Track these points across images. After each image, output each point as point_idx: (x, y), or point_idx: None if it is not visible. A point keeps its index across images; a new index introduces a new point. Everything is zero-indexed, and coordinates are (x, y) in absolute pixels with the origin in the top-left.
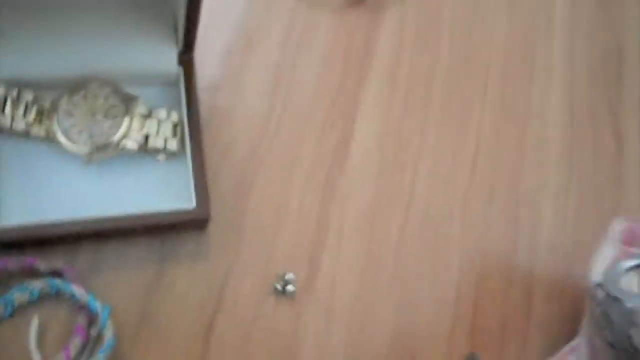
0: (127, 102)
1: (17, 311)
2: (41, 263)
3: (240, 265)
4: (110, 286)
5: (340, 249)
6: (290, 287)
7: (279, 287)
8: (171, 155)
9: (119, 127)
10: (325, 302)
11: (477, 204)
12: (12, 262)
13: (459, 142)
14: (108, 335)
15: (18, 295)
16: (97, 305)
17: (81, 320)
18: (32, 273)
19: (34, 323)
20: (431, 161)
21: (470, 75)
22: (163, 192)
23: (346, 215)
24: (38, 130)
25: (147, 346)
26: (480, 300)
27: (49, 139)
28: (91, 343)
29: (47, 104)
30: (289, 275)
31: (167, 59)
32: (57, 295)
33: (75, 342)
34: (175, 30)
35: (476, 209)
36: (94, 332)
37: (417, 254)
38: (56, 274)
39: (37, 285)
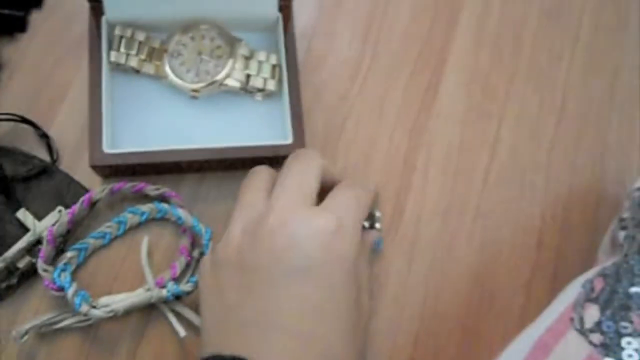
0: (231, 43)
1: (128, 231)
2: (151, 188)
3: None
4: (210, 215)
5: (425, 189)
6: (377, 225)
7: (366, 224)
8: (268, 95)
9: (223, 66)
10: (408, 240)
11: (563, 154)
12: (126, 185)
13: (547, 92)
14: None
15: (130, 216)
16: (201, 228)
17: (185, 242)
18: (143, 197)
19: (145, 242)
20: (517, 110)
21: (561, 26)
22: (260, 128)
23: (432, 157)
24: (148, 68)
25: None
26: (562, 250)
27: (158, 76)
28: (194, 263)
29: (156, 44)
30: (377, 213)
31: (268, 4)
32: (163, 218)
33: (180, 261)
34: None
35: (561, 159)
36: (197, 253)
37: (500, 199)
38: (163, 199)
39: (147, 209)
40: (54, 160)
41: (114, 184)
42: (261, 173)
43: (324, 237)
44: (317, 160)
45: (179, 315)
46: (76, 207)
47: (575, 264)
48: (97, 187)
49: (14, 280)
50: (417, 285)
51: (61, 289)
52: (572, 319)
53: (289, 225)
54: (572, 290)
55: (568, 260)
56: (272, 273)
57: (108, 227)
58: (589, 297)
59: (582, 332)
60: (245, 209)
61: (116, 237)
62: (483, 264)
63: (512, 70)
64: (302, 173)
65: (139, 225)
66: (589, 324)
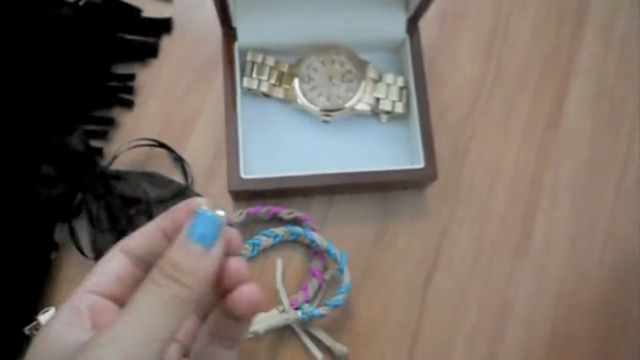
0: (361, 67)
1: (261, 253)
2: (285, 212)
3: (456, 223)
4: (337, 237)
5: (554, 210)
6: None
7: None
8: (393, 117)
9: (355, 90)
10: (537, 262)
11: None
12: (262, 210)
13: None
14: (346, 279)
15: (264, 238)
16: (336, 252)
17: (317, 265)
18: (276, 220)
19: (279, 264)
20: None
21: None
22: (387, 150)
23: (560, 176)
24: (278, 92)
25: (372, 294)
26: None
27: (288, 99)
28: (325, 286)
29: (285, 69)
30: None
31: (396, 25)
32: (294, 241)
33: (312, 283)
34: None
35: None
36: (327, 276)
37: (631, 218)
38: (296, 222)
39: (280, 232)
40: (190, 184)
41: (250, 208)
42: None
43: None
44: None
45: (312, 337)
46: None
47: None
48: (233, 211)
49: None
50: (547, 308)
51: None
52: None
53: None
54: None
55: None
56: None
57: (244, 249)
58: None
59: None
60: None
61: (250, 259)
62: (615, 288)
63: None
64: None
65: (272, 247)
66: None
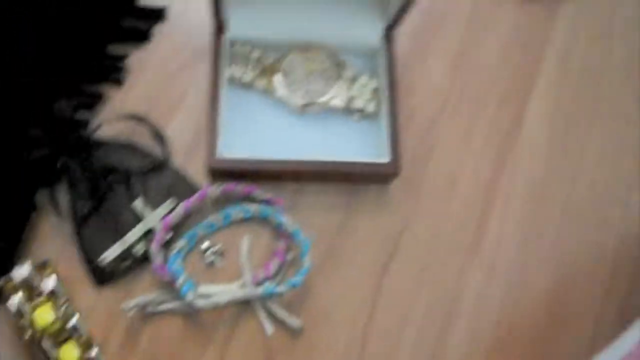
0: (338, 66)
1: (232, 227)
2: (259, 192)
3: (416, 219)
4: (304, 222)
5: (506, 214)
6: None
7: None
8: (365, 116)
9: (331, 87)
10: (487, 261)
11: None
12: (237, 187)
13: (626, 131)
14: (307, 262)
15: (235, 211)
16: (302, 236)
17: (281, 246)
18: (249, 199)
19: (246, 240)
20: (597, 146)
21: None
22: (356, 146)
23: (514, 185)
24: (260, 83)
25: (329, 277)
26: (634, 283)
27: (269, 91)
28: (285, 266)
29: (269, 62)
30: None
31: (373, 32)
32: (264, 220)
33: (275, 262)
34: (383, 8)
35: (638, 196)
36: (290, 256)
37: (576, 229)
38: (268, 203)
39: (252, 208)
40: (168, 158)
41: (227, 184)
42: None
43: None
44: None
45: (269, 313)
46: (192, 201)
47: None
48: (208, 186)
49: (127, 264)
50: (493, 305)
51: (171, 274)
52: None
53: None
54: None
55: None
56: None
57: (214, 219)
58: None
59: None
60: None
61: (220, 228)
62: (557, 290)
63: (595, 105)
64: None
65: (242, 221)
66: None
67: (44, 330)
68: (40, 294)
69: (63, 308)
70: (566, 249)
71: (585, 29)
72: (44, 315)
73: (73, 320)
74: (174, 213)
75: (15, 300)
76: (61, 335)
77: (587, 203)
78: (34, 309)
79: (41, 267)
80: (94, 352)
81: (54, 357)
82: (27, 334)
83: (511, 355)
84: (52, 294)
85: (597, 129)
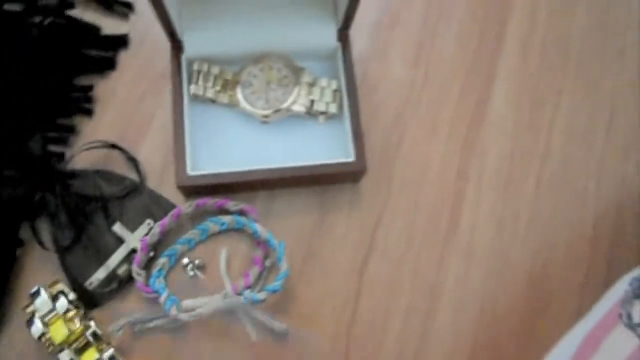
0: (296, 72)
1: (209, 240)
2: (231, 204)
3: (389, 213)
4: (280, 228)
5: (479, 198)
6: None
7: None
8: (329, 117)
9: (290, 93)
10: (465, 248)
11: (613, 162)
12: (209, 201)
13: (595, 103)
14: (283, 267)
15: (212, 225)
16: (275, 241)
17: (259, 253)
18: (223, 211)
19: (224, 253)
20: (566, 121)
21: (607, 38)
22: (323, 148)
23: (484, 169)
24: (223, 98)
25: (310, 279)
26: (614, 252)
27: (232, 104)
28: (265, 272)
29: (229, 76)
30: None
31: (327, 35)
32: (240, 230)
33: (254, 271)
34: (335, 10)
35: (612, 167)
36: (268, 263)
37: (552, 206)
38: (242, 213)
39: (227, 219)
40: (142, 181)
41: (199, 200)
42: None
43: None
44: None
45: (254, 320)
46: (167, 220)
47: (629, 265)
48: (183, 203)
49: (114, 286)
50: (475, 290)
51: (154, 292)
52: (620, 315)
53: None
54: (620, 288)
55: (622, 262)
56: None
57: (192, 234)
58: (636, 294)
59: (631, 326)
60: None
61: (199, 243)
62: (538, 268)
63: (560, 82)
64: None
65: (219, 233)
66: (637, 319)
67: (62, 343)
68: (52, 310)
69: (77, 320)
70: (543, 227)
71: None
72: (60, 330)
73: (91, 327)
74: (151, 233)
75: (38, 325)
76: (80, 342)
77: (561, 179)
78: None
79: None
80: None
81: None
82: (49, 350)
83: (497, 339)
84: (67, 311)
85: (565, 103)
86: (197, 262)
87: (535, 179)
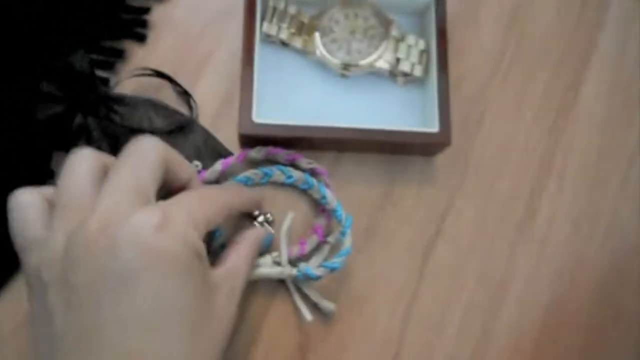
0: (384, 24)
1: (269, 185)
2: (304, 161)
3: (462, 195)
4: (343, 195)
5: (559, 192)
6: (268, 226)
7: (257, 223)
8: (409, 81)
9: (376, 47)
10: (538, 244)
11: None
12: (281, 151)
13: None
14: (347, 243)
15: (277, 172)
16: (343, 213)
17: (321, 222)
18: (293, 166)
19: (290, 217)
20: None
21: None
22: (399, 114)
23: (569, 161)
24: (296, 42)
25: (372, 256)
26: None
27: (305, 51)
28: (326, 248)
29: (306, 19)
30: (268, 215)
31: None
32: (305, 190)
33: (312, 240)
34: None
35: None
36: (331, 238)
37: (634, 209)
38: (313, 174)
39: (296, 174)
40: (195, 117)
41: (270, 148)
42: (88, 159)
43: (143, 233)
44: (157, 153)
45: (304, 295)
46: (231, 160)
47: None
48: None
49: None
50: (543, 290)
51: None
52: None
53: (109, 228)
54: None
55: None
56: (97, 289)
57: (253, 174)
58: None
59: None
60: (67, 209)
61: (256, 186)
62: (612, 277)
63: None
64: (137, 167)
65: (280, 186)
66: None
67: None
68: None
69: None
70: (623, 233)
71: None
72: None
73: None
74: (210, 170)
75: None
76: None
77: None
78: None
79: None
80: None
81: None
82: None
83: (561, 342)
84: None
85: None
86: (268, 215)
87: (619, 179)
